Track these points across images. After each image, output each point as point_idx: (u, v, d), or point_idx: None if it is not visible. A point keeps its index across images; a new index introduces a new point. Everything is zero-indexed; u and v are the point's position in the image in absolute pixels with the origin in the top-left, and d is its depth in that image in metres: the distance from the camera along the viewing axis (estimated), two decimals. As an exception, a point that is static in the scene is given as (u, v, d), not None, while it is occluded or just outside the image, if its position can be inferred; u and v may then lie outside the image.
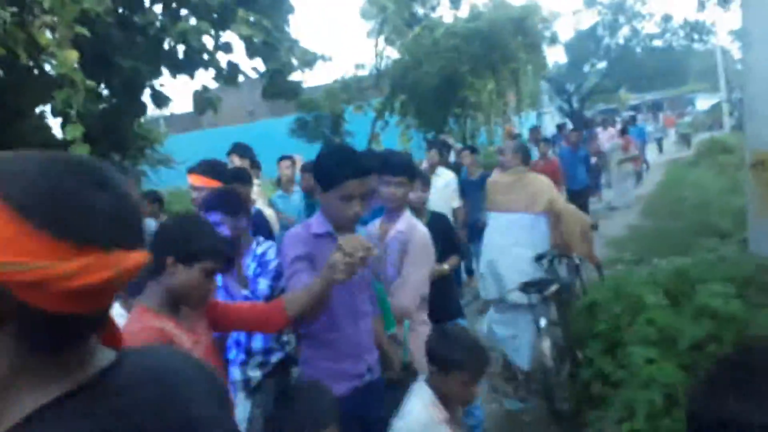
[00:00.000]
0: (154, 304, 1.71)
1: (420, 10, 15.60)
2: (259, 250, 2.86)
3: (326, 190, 2.16)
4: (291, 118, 15.56)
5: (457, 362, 1.98)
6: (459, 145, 9.43)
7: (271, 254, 2.84)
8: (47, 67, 7.04)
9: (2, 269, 0.64)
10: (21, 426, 0.69)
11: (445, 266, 3.31)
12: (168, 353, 0.93)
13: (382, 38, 14.62)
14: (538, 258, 4.05)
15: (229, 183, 3.14)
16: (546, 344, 3.70)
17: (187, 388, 0.81)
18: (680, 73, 41.55)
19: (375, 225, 2.96)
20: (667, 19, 34.78)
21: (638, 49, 34.42)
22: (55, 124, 7.73)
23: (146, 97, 9.67)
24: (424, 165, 6.14)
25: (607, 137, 12.96)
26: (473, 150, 6.99)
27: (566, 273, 4.63)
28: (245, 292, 2.75)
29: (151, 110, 10.73)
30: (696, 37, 36.29)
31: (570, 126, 14.74)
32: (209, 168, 3.24)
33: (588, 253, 4.34)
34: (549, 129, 20.09)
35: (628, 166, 12.01)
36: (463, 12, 15.13)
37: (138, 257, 0.72)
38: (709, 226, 6.87)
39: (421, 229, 2.82)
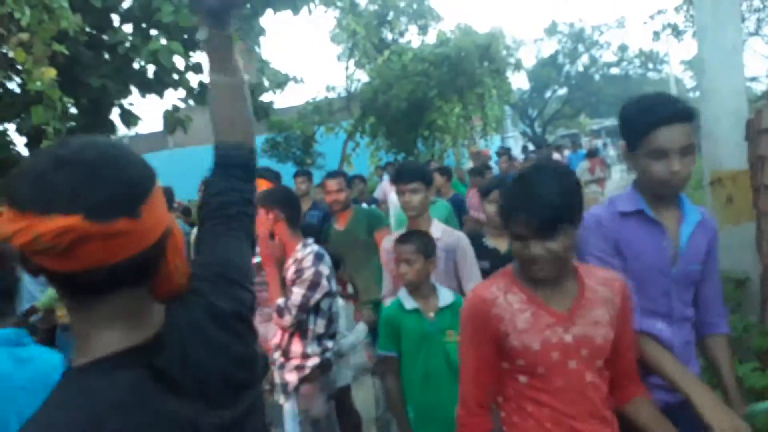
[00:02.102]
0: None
1: (389, 36, 15.95)
2: (299, 255, 2.82)
3: (633, 149, 1.75)
4: (260, 138, 15.55)
5: None
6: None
7: (308, 261, 2.78)
8: (10, 85, 6.93)
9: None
10: (91, 364, 0.83)
11: None
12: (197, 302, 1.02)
13: (352, 62, 14.85)
14: None
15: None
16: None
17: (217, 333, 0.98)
18: (637, 100, 43.15)
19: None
20: (623, 48, 36.37)
21: (597, 77, 35.81)
22: (19, 142, 7.56)
23: (115, 116, 9.56)
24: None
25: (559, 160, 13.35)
26: (444, 172, 7.05)
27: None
28: (279, 300, 2.74)
29: (123, 130, 10.60)
30: (651, 66, 38.00)
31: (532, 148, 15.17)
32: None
33: None
34: (513, 152, 20.59)
35: (594, 187, 12.38)
36: (431, 38, 15.53)
37: (62, 223, 0.76)
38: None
39: (459, 232, 2.86)
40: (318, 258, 2.78)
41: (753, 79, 21.80)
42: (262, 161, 16.40)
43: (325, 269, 2.79)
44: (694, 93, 42.56)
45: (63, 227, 0.76)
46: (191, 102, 10.73)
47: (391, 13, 16.20)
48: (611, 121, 45.34)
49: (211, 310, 0.99)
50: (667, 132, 1.65)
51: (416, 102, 13.13)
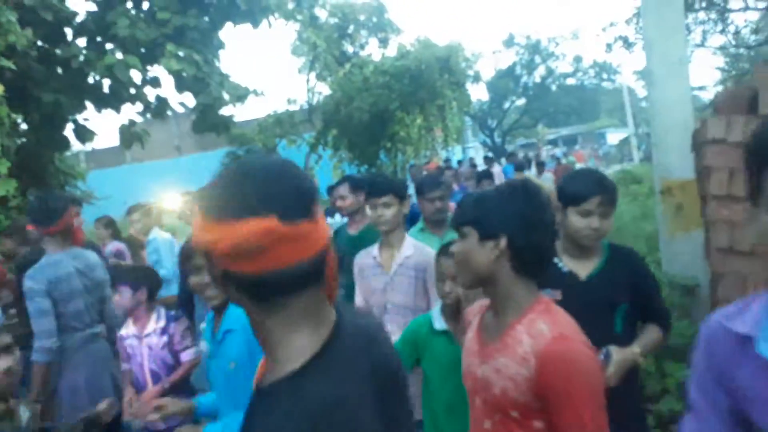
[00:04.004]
0: None
1: (349, 48, 16.02)
2: None
3: None
4: (220, 152, 15.36)
5: None
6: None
7: None
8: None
9: (196, 245, 0.89)
10: (275, 385, 0.87)
11: None
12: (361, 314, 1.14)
13: (313, 74, 14.85)
14: None
15: None
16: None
17: (385, 344, 1.05)
18: (592, 109, 44.55)
19: (371, 253, 2.81)
20: (578, 59, 37.46)
21: (553, 87, 36.74)
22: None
23: (69, 131, 9.30)
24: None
25: (496, 172, 13.39)
26: None
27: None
28: None
29: (77, 145, 10.33)
30: (605, 76, 39.23)
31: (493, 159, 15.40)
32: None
33: None
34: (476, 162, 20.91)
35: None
36: (391, 51, 15.67)
37: (260, 225, 0.83)
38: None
39: (431, 250, 2.65)
40: None
41: (701, 88, 22.71)
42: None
43: None
44: (646, 102, 44.16)
45: (263, 228, 0.83)
46: (149, 116, 10.55)
47: (352, 26, 16.30)
48: (568, 130, 46.60)
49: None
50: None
51: (378, 114, 13.21)
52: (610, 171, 27.37)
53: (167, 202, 5.64)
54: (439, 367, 2.12)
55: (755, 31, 16.53)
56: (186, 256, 2.29)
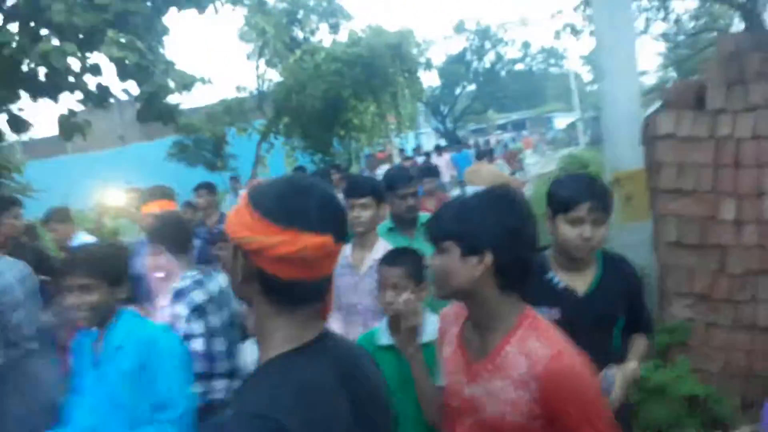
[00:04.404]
0: None
1: (299, 34, 15.71)
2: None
3: None
4: (167, 141, 14.84)
5: None
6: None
7: (165, 301, 2.58)
8: None
9: (241, 241, 0.99)
10: (267, 364, 1.02)
11: None
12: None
13: (263, 61, 14.50)
14: None
15: None
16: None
17: (366, 364, 1.16)
18: (540, 94, 45.46)
19: (343, 252, 2.73)
20: (526, 45, 38.12)
21: (503, 73, 37.24)
22: None
23: (3, 121, 8.80)
24: None
25: (443, 163, 13.46)
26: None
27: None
28: None
29: (13, 136, 9.79)
30: (552, 62, 40.07)
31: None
32: None
33: None
34: (427, 148, 21.03)
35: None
36: (342, 37, 15.47)
37: (320, 240, 0.98)
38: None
39: None
40: (177, 296, 2.54)
41: (643, 73, 23.54)
42: (170, 166, 15.64)
43: (184, 310, 2.52)
44: (592, 86, 45.44)
45: (324, 243, 0.99)
46: (89, 105, 10.08)
47: (301, 12, 15.98)
48: (517, 115, 47.43)
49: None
50: None
51: (331, 102, 13.05)
52: (558, 155, 28.10)
53: (111, 199, 5.37)
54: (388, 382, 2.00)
55: (695, 18, 17.24)
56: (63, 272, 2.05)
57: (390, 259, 2.05)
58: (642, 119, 3.92)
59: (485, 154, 10.20)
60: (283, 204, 0.99)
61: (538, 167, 26.09)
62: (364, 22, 28.66)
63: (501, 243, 1.29)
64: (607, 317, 1.89)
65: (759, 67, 3.18)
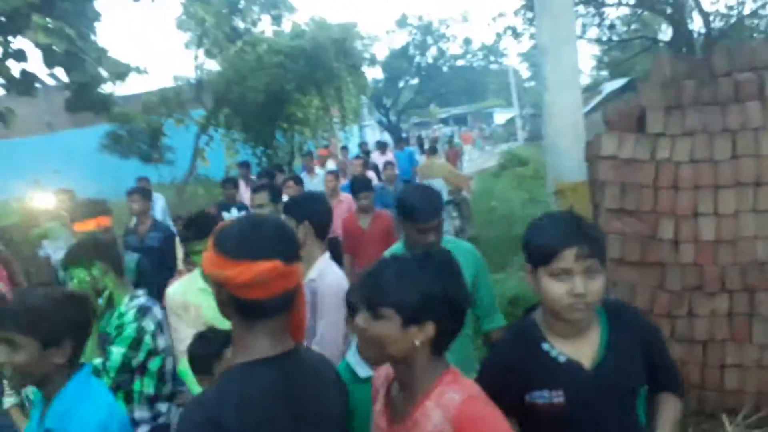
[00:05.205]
0: None
1: (240, 25, 15.25)
2: (123, 309, 2.50)
3: None
4: (98, 129, 14.06)
5: None
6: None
7: (130, 316, 2.47)
8: None
9: (211, 276, 1.25)
10: (229, 372, 1.24)
11: None
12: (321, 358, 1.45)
13: (201, 51, 13.99)
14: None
15: None
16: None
17: (329, 383, 1.38)
18: (480, 90, 46.34)
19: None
20: (468, 41, 38.72)
21: (445, 68, 37.69)
22: None
23: None
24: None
25: (381, 161, 13.35)
26: (298, 181, 6.08)
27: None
28: (96, 361, 2.40)
29: None
30: (492, 58, 40.85)
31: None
32: None
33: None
34: (370, 141, 20.99)
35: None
36: (285, 28, 15.13)
37: (270, 265, 1.21)
38: (517, 237, 7.71)
39: (331, 278, 2.43)
40: (142, 313, 2.50)
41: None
42: (103, 158, 14.82)
43: (150, 325, 2.50)
44: (530, 83, 46.71)
45: (273, 268, 1.21)
46: (13, 92, 9.45)
47: (243, 2, 15.51)
48: (459, 110, 48.15)
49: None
50: None
51: (273, 94, 12.75)
52: (498, 150, 28.73)
53: (41, 201, 5.04)
54: (363, 416, 1.82)
55: (627, 24, 18.07)
56: None
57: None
58: (584, 130, 4.02)
59: (432, 150, 10.39)
60: (237, 241, 1.22)
61: (478, 163, 26.63)
62: (307, 15, 28.26)
63: (443, 314, 1.28)
64: (626, 390, 1.56)
65: (695, 93, 3.32)
